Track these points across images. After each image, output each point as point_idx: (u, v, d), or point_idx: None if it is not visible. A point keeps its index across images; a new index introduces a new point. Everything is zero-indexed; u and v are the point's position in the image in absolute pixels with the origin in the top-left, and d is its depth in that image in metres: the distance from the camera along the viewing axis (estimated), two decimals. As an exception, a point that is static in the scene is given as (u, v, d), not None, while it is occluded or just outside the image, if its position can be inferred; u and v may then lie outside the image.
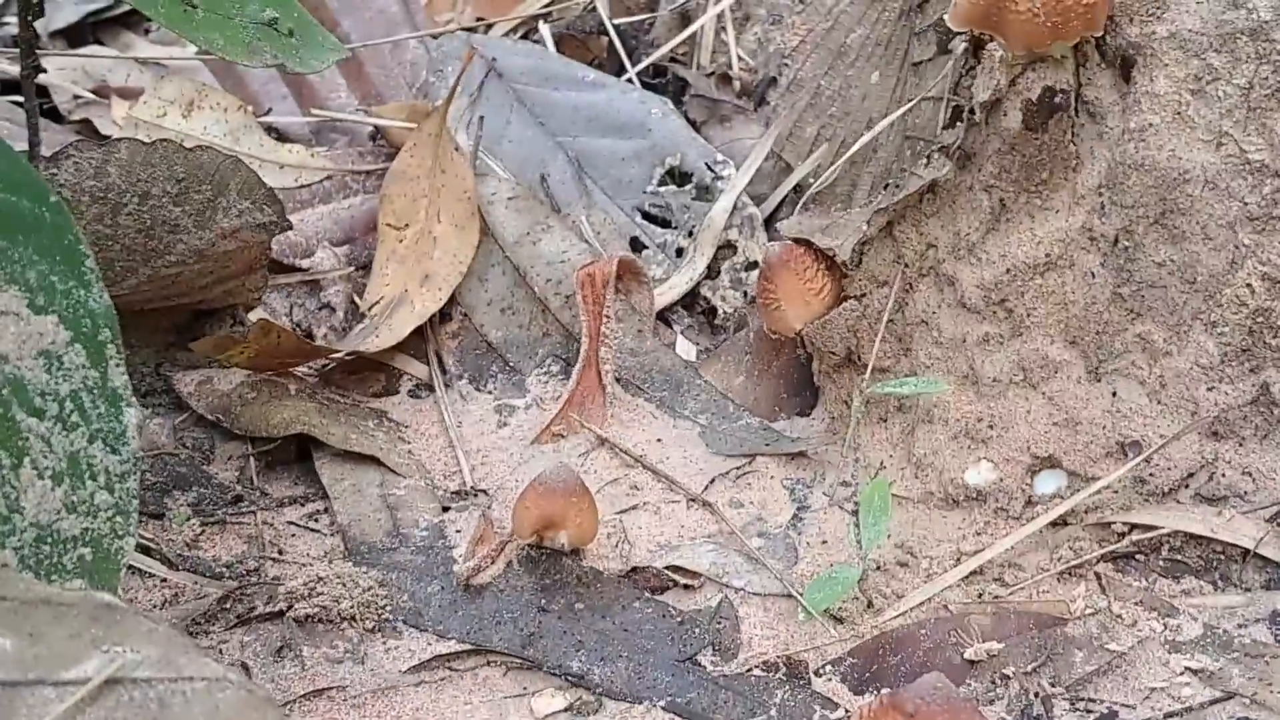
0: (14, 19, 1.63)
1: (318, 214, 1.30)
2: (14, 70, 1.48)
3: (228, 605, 0.98)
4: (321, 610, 0.97)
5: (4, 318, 0.82)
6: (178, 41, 1.58)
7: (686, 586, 1.01)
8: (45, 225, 0.84)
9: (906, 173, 1.08)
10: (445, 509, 1.08)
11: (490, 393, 1.19)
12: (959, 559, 1.01)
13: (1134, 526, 1.00)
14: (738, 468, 1.10)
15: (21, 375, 0.82)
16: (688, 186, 1.28)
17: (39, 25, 1.12)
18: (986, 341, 1.05)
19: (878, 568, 1.00)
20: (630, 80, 1.37)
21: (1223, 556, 0.98)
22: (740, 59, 1.36)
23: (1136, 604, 0.96)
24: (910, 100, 1.15)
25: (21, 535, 0.81)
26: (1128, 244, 1.01)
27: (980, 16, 0.99)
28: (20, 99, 1.39)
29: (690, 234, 1.25)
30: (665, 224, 1.27)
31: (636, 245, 1.25)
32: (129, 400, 0.85)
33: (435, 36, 1.45)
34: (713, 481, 1.09)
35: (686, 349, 1.20)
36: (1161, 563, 0.99)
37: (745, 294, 1.21)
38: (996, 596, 0.98)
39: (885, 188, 1.11)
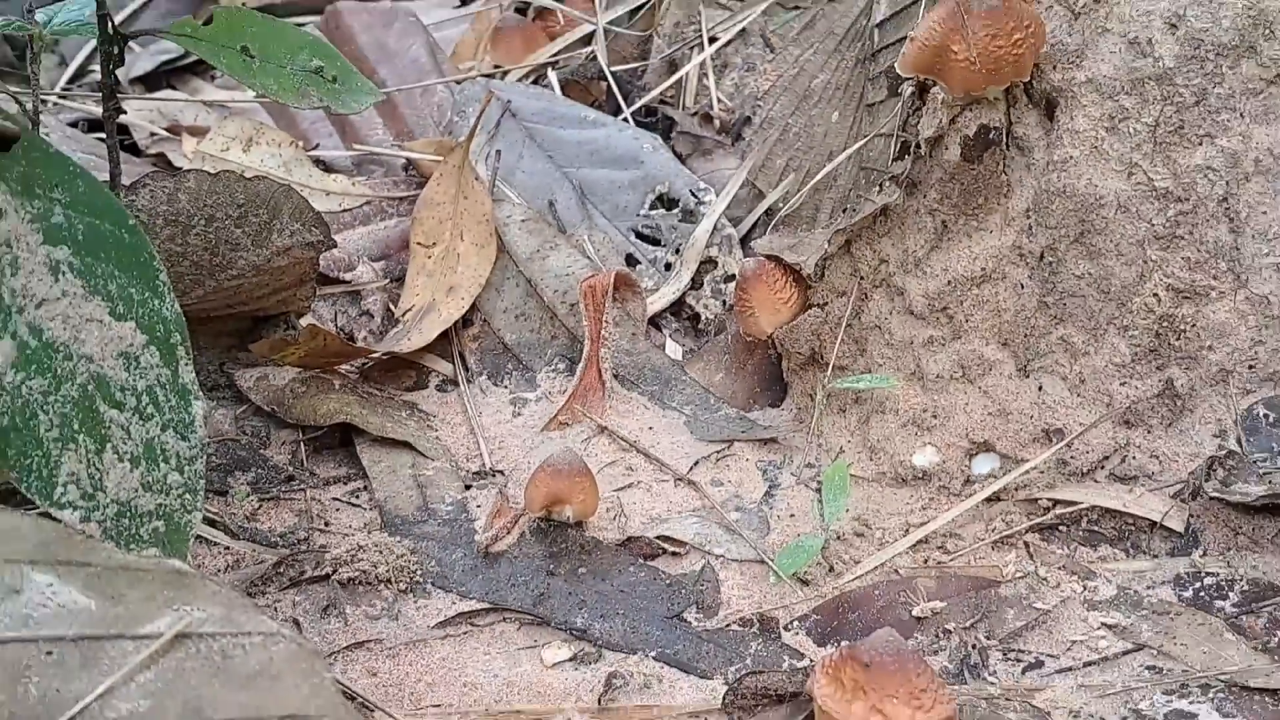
0: (99, 67, 1.63)
1: (358, 234, 1.30)
2: (98, 111, 1.48)
3: (281, 570, 0.97)
4: (361, 574, 0.97)
5: (90, 324, 0.82)
6: (238, 86, 1.58)
7: (674, 554, 1.01)
8: (125, 245, 0.84)
9: (862, 198, 1.08)
10: (467, 487, 1.08)
11: (506, 387, 1.18)
12: (907, 530, 1.01)
13: (1057, 502, 1.00)
14: (718, 452, 1.10)
15: (104, 373, 0.82)
16: (675, 210, 1.27)
17: (120, 73, 1.12)
18: (930, 343, 1.05)
19: (838, 537, 1.00)
20: (625, 119, 1.37)
21: (1134, 528, 0.98)
22: (720, 101, 1.36)
23: (1060, 569, 0.96)
24: (865, 136, 1.15)
25: (104, 510, 0.81)
26: (1052, 259, 1.01)
27: (925, 64, 0.99)
28: (104, 136, 1.39)
29: (677, 251, 1.24)
30: (656, 243, 1.26)
31: (631, 261, 1.25)
32: (196, 394, 0.85)
33: (459, 82, 1.45)
34: (696, 463, 1.09)
35: (674, 350, 1.20)
36: (1081, 533, 0.99)
37: (724, 302, 1.20)
38: (939, 562, 0.98)
39: (844, 211, 1.11)
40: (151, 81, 1.65)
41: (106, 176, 1.01)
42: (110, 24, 0.95)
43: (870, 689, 0.75)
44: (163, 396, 0.84)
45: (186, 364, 0.84)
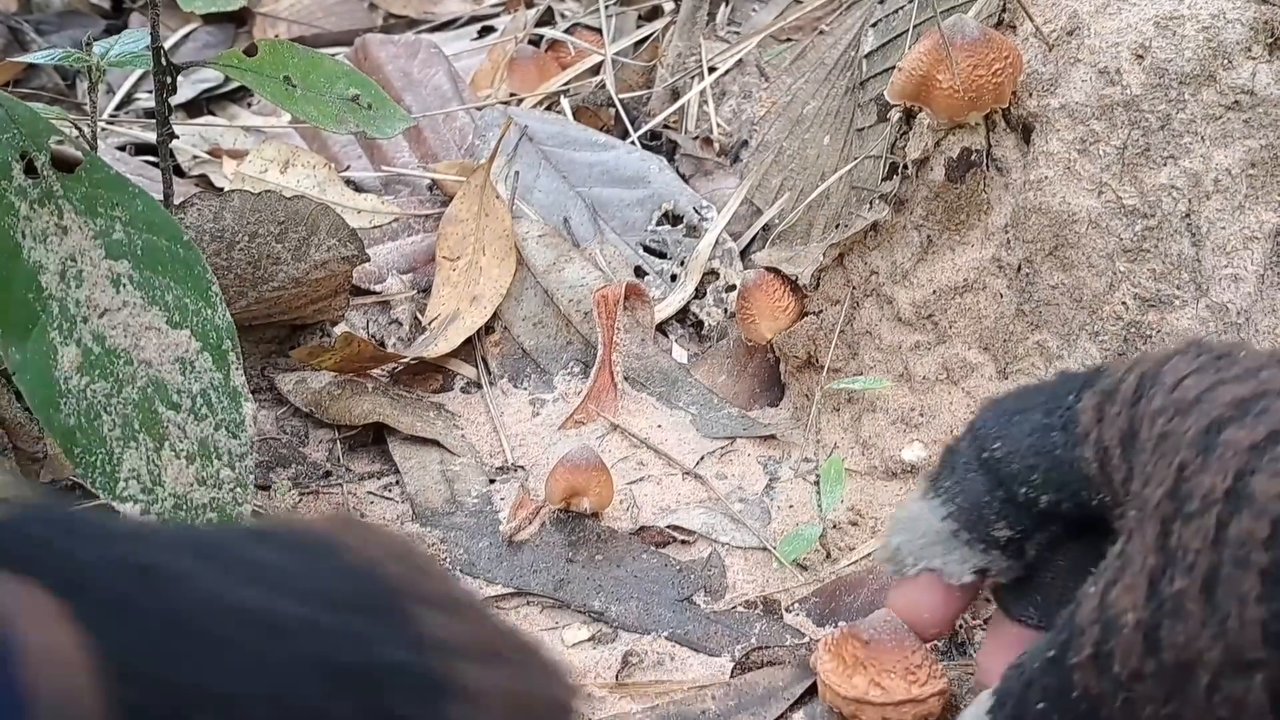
0: (144, 95, 1.63)
1: (388, 249, 1.31)
2: (145, 136, 1.49)
3: (321, 558, 0.98)
4: (395, 561, 0.97)
5: (148, 332, 0.82)
6: (274, 112, 1.58)
7: (684, 542, 1.02)
8: (179, 259, 0.85)
9: (854, 215, 1.08)
10: (491, 481, 1.09)
11: (525, 389, 1.19)
12: (897, 519, 1.01)
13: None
14: (722, 448, 1.10)
15: (162, 377, 0.82)
16: (680, 226, 1.28)
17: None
18: (918, 348, 1.05)
19: (834, 526, 1.01)
20: (633, 142, 1.37)
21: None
22: (719, 126, 1.36)
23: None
24: (855, 158, 1.16)
25: (163, 503, 0.82)
26: (1028, 271, 1.01)
27: (912, 92, 1.00)
28: (151, 159, 1.40)
29: (682, 263, 1.25)
30: (662, 256, 1.27)
31: (640, 273, 1.25)
32: (247, 397, 0.86)
33: (479, 108, 1.46)
34: (702, 459, 1.09)
35: (680, 354, 1.20)
36: (1057, 521, 0.99)
37: (726, 310, 1.21)
38: (927, 548, 0.98)
39: (837, 227, 1.11)
40: (192, 108, 1.66)
41: (157, 196, 1.02)
42: (164, 56, 0.96)
43: (869, 664, 0.75)
44: (215, 399, 0.84)
45: (237, 369, 0.85)
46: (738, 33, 1.43)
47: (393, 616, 0.44)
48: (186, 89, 1.64)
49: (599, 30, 1.53)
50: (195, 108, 1.66)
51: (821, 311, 1.10)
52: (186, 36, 1.81)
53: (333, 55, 1.09)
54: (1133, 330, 0.99)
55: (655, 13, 1.54)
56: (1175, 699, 0.49)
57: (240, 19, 1.85)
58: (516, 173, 1.32)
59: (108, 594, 0.39)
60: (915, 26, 1.15)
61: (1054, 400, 0.62)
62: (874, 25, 1.23)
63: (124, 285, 0.82)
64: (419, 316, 1.25)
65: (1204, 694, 0.48)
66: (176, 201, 1.03)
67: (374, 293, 1.27)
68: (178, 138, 1.02)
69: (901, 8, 1.20)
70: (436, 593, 0.47)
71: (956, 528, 0.65)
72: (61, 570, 0.39)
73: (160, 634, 0.39)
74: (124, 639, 0.38)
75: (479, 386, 1.19)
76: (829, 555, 0.99)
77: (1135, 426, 0.55)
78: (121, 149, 1.53)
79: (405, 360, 1.18)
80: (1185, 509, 0.50)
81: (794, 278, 1.10)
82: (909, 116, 1.06)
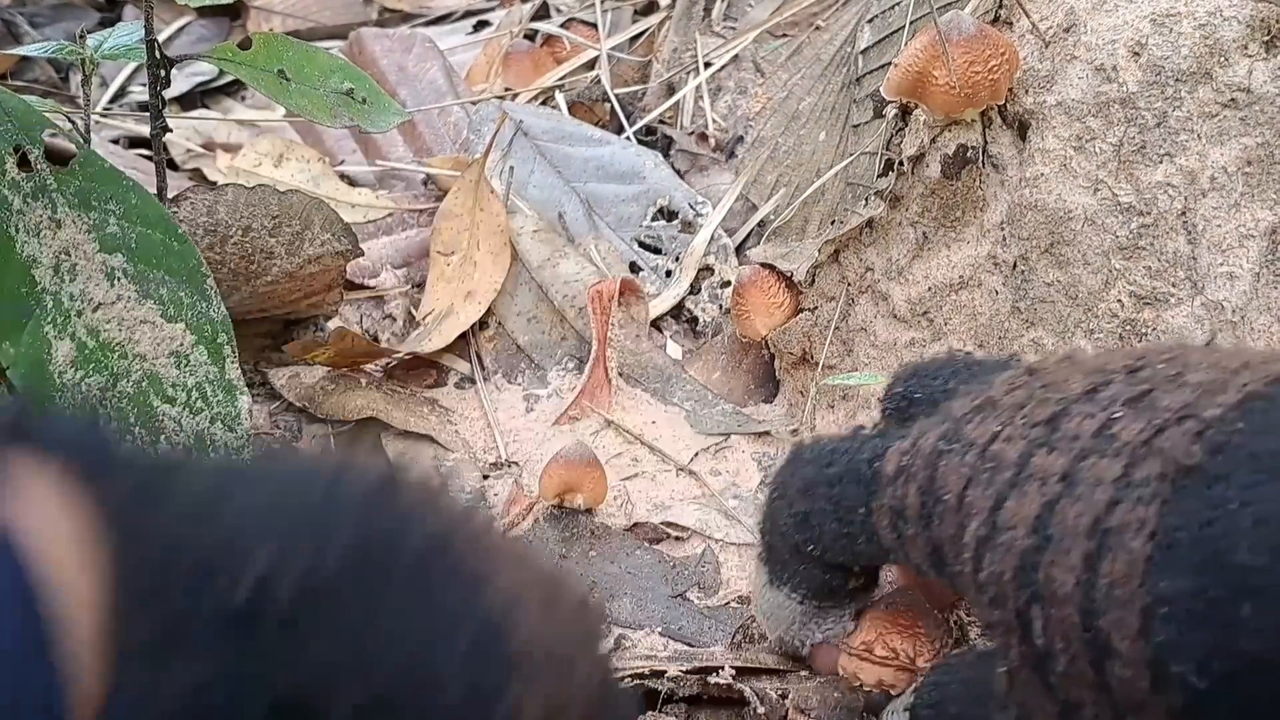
0: (138, 88, 1.63)
1: (382, 244, 1.30)
2: (139, 129, 1.48)
3: (315, 553, 0.97)
4: (389, 557, 0.97)
5: (144, 325, 0.82)
6: (268, 106, 1.58)
7: (677, 538, 1.01)
8: (174, 253, 0.84)
9: (849, 212, 1.08)
10: (485, 477, 1.08)
11: (519, 385, 1.19)
12: (892, 515, 1.01)
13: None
14: (716, 444, 1.10)
15: (157, 371, 0.82)
16: (675, 222, 1.28)
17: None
18: (913, 345, 1.05)
19: (828, 522, 1.00)
20: (628, 138, 1.37)
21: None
22: (715, 121, 1.36)
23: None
24: (851, 155, 1.16)
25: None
26: (1024, 268, 1.01)
27: (908, 88, 1.00)
28: (145, 152, 1.39)
29: (677, 259, 1.25)
30: (657, 251, 1.27)
31: (635, 268, 1.25)
32: (242, 390, 0.85)
33: (474, 103, 1.45)
34: (696, 455, 1.09)
35: (675, 350, 1.20)
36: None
37: (721, 306, 1.21)
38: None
39: (832, 223, 1.11)
40: (186, 101, 1.65)
41: (151, 190, 1.01)
42: (158, 49, 0.95)
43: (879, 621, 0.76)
44: (210, 392, 0.84)
45: (232, 363, 0.85)
46: (733, 28, 1.43)
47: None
48: (181, 82, 1.63)
49: (594, 25, 1.52)
50: (189, 101, 1.65)
51: (816, 308, 1.10)
52: (181, 30, 1.80)
53: (327, 49, 1.08)
54: (1128, 328, 0.99)
55: (651, 8, 1.54)
56: None
57: (235, 12, 1.84)
58: (511, 168, 1.32)
59: (132, 483, 0.39)
60: (912, 23, 1.15)
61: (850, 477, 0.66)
62: (870, 21, 1.22)
63: (118, 279, 0.82)
64: (413, 311, 1.24)
65: None
66: (170, 195, 1.03)
67: (368, 287, 1.26)
68: (171, 131, 1.02)
69: (898, 4, 1.19)
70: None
71: (817, 604, 0.72)
72: (91, 456, 0.39)
73: (175, 524, 0.39)
74: (141, 528, 0.38)
75: (473, 382, 1.19)
76: (823, 552, 0.99)
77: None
78: (115, 142, 1.52)
79: (399, 355, 1.18)
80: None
81: (789, 274, 1.09)
82: (905, 113, 1.06)
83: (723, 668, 0.84)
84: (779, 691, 0.81)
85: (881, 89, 1.03)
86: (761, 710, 0.80)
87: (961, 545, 0.54)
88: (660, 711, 0.83)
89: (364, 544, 0.42)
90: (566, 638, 0.48)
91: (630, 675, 0.84)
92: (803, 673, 0.82)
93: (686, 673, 0.85)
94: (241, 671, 0.37)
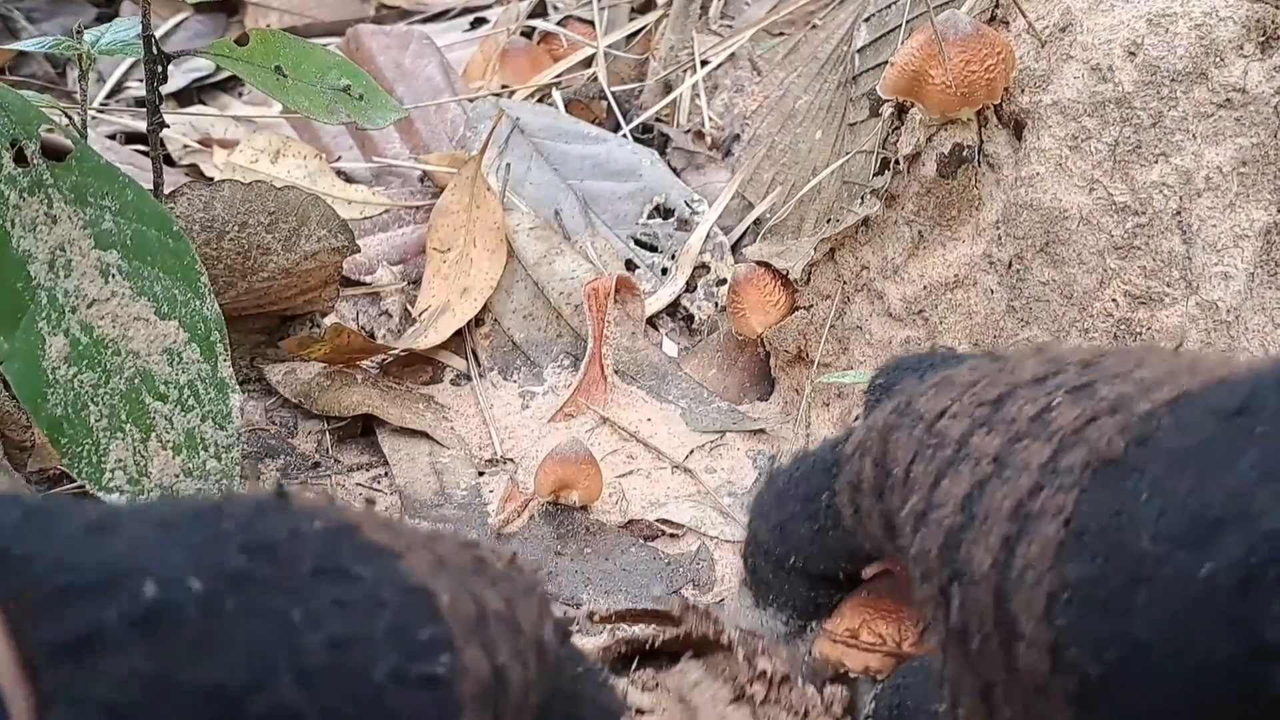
0: (134, 83, 1.62)
1: (378, 240, 1.30)
2: (136, 125, 1.48)
3: (310, 549, 0.97)
4: (384, 553, 0.97)
5: (137, 322, 0.82)
6: (265, 102, 1.57)
7: (672, 535, 1.01)
8: (169, 249, 0.84)
9: (845, 210, 1.08)
10: (480, 473, 1.08)
11: (515, 382, 1.18)
12: (886, 514, 1.01)
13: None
14: (711, 441, 1.10)
15: (150, 368, 0.82)
16: (671, 220, 1.28)
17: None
18: (908, 343, 1.05)
19: (822, 521, 1.00)
20: (625, 135, 1.37)
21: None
22: (711, 119, 1.36)
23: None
24: (847, 153, 1.15)
25: (149, 494, 0.81)
26: (1019, 267, 1.01)
27: (904, 87, 1.00)
28: (142, 148, 1.39)
29: (673, 257, 1.25)
30: (653, 249, 1.27)
31: (631, 266, 1.25)
32: (234, 388, 0.85)
33: (471, 100, 1.45)
34: (691, 452, 1.09)
35: (670, 348, 1.20)
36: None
37: (716, 304, 1.21)
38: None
39: (828, 222, 1.11)
40: (183, 97, 1.65)
41: (146, 185, 1.01)
42: (155, 44, 0.95)
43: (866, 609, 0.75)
44: (203, 390, 0.84)
45: (225, 360, 0.84)
46: (730, 26, 1.43)
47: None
48: (177, 78, 1.63)
49: (591, 23, 1.52)
50: (186, 97, 1.65)
51: (812, 306, 1.10)
52: (178, 25, 1.80)
53: (324, 45, 1.08)
54: (1123, 327, 0.99)
55: (648, 6, 1.54)
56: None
57: (232, 8, 1.84)
58: (508, 165, 1.32)
59: (18, 516, 0.39)
60: (908, 22, 1.15)
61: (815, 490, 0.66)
62: (867, 20, 1.22)
63: (113, 275, 0.82)
64: (409, 308, 1.24)
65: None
66: (166, 191, 1.03)
67: (364, 284, 1.26)
68: (168, 127, 1.02)
69: (894, 3, 1.19)
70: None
71: (802, 623, 0.73)
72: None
73: (68, 550, 0.38)
74: (33, 559, 0.37)
75: (469, 379, 1.19)
76: (818, 550, 0.99)
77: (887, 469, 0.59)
78: (111, 138, 1.52)
79: (395, 352, 1.18)
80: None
81: (785, 272, 1.09)
82: (901, 112, 1.06)
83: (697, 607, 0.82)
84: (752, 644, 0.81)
85: (878, 88, 1.03)
86: (742, 655, 0.78)
87: (903, 519, 0.54)
88: (642, 666, 0.82)
89: (267, 537, 0.41)
90: (501, 596, 0.46)
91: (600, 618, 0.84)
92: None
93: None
94: (161, 668, 0.36)
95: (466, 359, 1.20)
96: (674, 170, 1.33)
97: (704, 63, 1.38)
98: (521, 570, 0.50)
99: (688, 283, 1.23)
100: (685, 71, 1.39)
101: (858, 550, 0.64)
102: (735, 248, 1.25)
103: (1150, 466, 0.45)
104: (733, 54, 1.38)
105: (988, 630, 0.48)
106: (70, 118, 0.97)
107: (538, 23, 1.56)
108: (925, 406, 0.57)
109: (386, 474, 1.08)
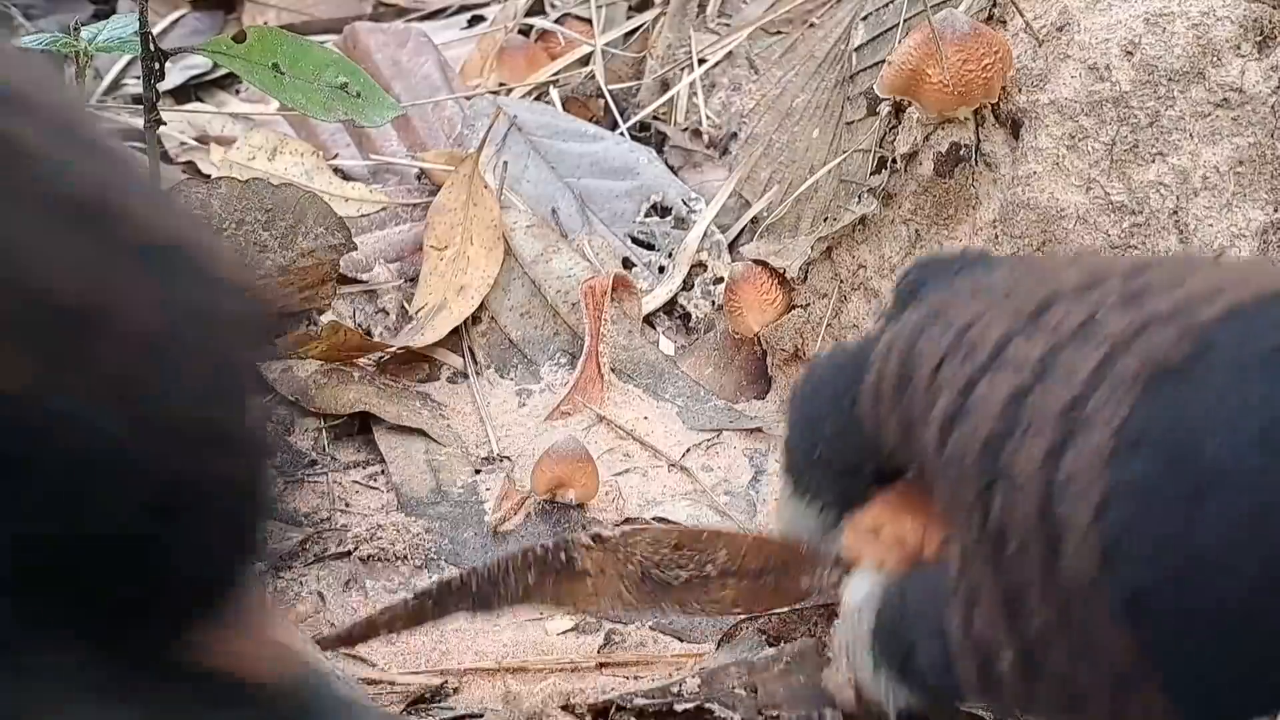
0: (132, 80, 1.62)
1: (375, 238, 1.30)
2: (133, 122, 1.48)
3: (306, 546, 0.97)
4: (380, 551, 0.97)
5: (134, 319, 0.82)
6: (262, 99, 1.57)
7: (668, 533, 1.01)
8: (166, 246, 0.84)
9: (842, 209, 1.08)
10: (477, 471, 1.08)
11: (512, 379, 1.18)
12: (882, 512, 1.01)
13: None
14: (708, 440, 1.10)
15: (148, 364, 0.82)
16: (668, 218, 1.28)
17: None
18: (905, 342, 1.05)
19: (819, 519, 1.00)
20: (622, 134, 1.37)
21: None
22: (708, 118, 1.36)
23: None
24: (844, 152, 1.15)
25: (146, 491, 0.81)
26: (1016, 266, 1.01)
27: (902, 86, 1.00)
28: (139, 145, 1.38)
29: (670, 255, 1.25)
30: (650, 247, 1.26)
31: (628, 264, 1.25)
32: (232, 384, 0.85)
33: (468, 98, 1.45)
34: (688, 451, 1.09)
35: (667, 346, 1.20)
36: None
37: (714, 303, 1.21)
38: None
39: (825, 220, 1.11)
40: (180, 94, 1.64)
41: (145, 182, 1.01)
42: (152, 42, 0.95)
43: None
44: (201, 386, 0.84)
45: (223, 356, 0.84)
46: (728, 25, 1.43)
47: None
48: (175, 75, 1.63)
49: (589, 21, 1.52)
50: (183, 94, 1.65)
51: (809, 305, 1.10)
52: (175, 22, 1.80)
53: (322, 43, 1.08)
54: (1119, 326, 0.99)
55: (645, 4, 1.54)
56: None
57: (229, 5, 1.84)
58: (505, 163, 1.32)
59: None
60: (906, 20, 1.15)
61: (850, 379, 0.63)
62: (864, 19, 1.22)
63: (109, 271, 0.82)
64: (406, 306, 1.24)
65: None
66: (164, 188, 1.03)
67: (361, 281, 1.26)
68: (165, 124, 1.02)
69: (892, 2, 1.19)
70: None
71: (837, 514, 0.67)
72: None
73: None
74: None
75: (465, 376, 1.19)
76: (814, 548, 0.99)
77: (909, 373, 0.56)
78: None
79: (392, 349, 1.18)
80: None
81: (782, 270, 1.09)
82: (898, 110, 1.06)
83: (685, 682, 0.81)
84: (747, 686, 0.80)
85: (875, 86, 1.03)
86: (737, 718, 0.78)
87: (929, 421, 0.53)
88: None
89: None
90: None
91: (590, 709, 0.82)
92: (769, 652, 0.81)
93: (652, 699, 0.82)
94: None
95: (463, 357, 1.20)
96: (671, 168, 1.33)
97: (701, 61, 1.38)
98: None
99: (685, 281, 1.23)
100: (683, 70, 1.39)
101: (880, 450, 0.62)
102: (732, 246, 1.25)
103: (1213, 375, 0.44)
104: (730, 52, 1.38)
105: (1030, 535, 0.47)
106: (67, 114, 0.97)
107: (535, 20, 1.55)
108: (957, 311, 0.55)
109: (383, 471, 1.08)
